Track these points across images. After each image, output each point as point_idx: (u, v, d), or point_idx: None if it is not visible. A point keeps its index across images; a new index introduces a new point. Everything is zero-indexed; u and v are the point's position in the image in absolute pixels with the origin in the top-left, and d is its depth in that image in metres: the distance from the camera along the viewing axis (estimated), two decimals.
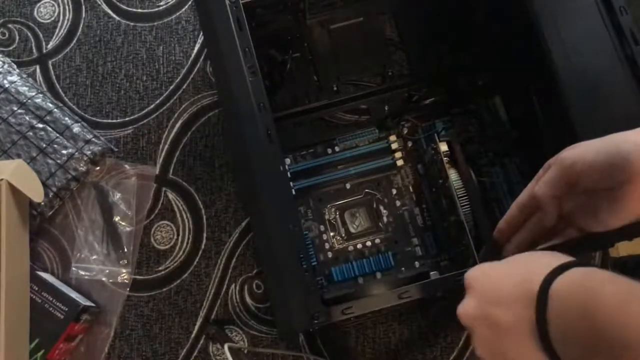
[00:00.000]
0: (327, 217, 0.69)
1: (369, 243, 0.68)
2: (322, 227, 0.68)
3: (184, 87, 0.77)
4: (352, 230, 0.68)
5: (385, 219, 0.69)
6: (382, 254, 0.66)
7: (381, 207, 0.69)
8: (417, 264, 0.67)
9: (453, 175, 0.63)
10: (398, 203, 0.69)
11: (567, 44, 0.56)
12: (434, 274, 0.63)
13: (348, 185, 0.70)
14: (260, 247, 0.51)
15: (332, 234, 0.68)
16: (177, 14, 0.79)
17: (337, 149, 0.70)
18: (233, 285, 0.71)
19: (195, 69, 0.77)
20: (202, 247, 0.72)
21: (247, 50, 0.53)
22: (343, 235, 0.68)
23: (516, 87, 0.67)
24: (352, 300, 0.51)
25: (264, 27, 0.69)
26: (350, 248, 0.68)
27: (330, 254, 0.67)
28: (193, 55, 0.78)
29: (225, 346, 0.60)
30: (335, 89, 0.73)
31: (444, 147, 0.63)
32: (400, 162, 0.69)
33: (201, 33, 0.78)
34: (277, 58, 0.71)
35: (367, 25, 0.74)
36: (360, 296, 0.52)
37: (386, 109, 0.72)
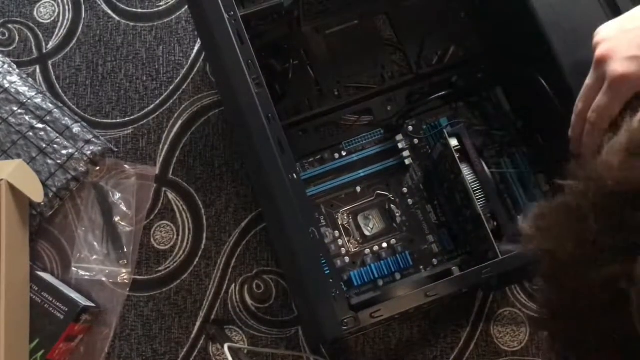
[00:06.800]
0: (340, 222, 0.69)
1: (385, 244, 0.68)
2: (336, 233, 0.68)
3: (184, 87, 0.77)
4: (367, 233, 0.68)
5: (398, 219, 0.69)
6: (399, 255, 0.66)
7: (393, 208, 0.69)
8: (435, 261, 0.67)
9: (465, 169, 0.62)
10: (410, 202, 0.69)
11: (565, 26, 0.55)
12: (454, 270, 0.63)
13: (358, 189, 0.70)
14: (283, 258, 0.51)
15: (347, 238, 0.68)
16: (177, 14, 0.79)
17: (343, 153, 0.70)
18: (233, 285, 0.71)
19: (195, 69, 0.77)
20: (202, 247, 0.72)
21: (250, 62, 0.53)
22: (358, 239, 0.68)
23: (517, 75, 0.67)
24: (379, 304, 0.51)
25: (260, 37, 0.68)
26: (367, 251, 0.67)
27: (347, 259, 0.67)
28: (193, 56, 0.78)
29: (225, 346, 0.60)
30: (336, 93, 0.73)
31: (454, 142, 0.63)
32: (408, 161, 0.69)
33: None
34: (276, 68, 0.71)
35: (362, 27, 0.74)
36: (385, 299, 0.52)
37: (389, 109, 0.72)
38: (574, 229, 0.27)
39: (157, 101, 0.77)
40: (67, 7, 0.80)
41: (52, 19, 0.79)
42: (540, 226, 0.30)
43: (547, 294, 0.31)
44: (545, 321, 0.32)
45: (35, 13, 0.80)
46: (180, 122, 0.76)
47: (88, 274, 0.71)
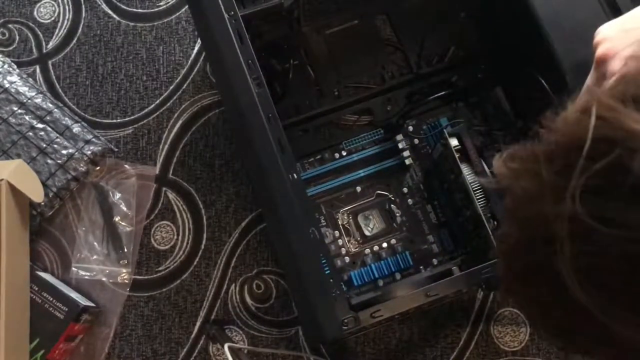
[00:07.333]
0: (340, 222, 0.69)
1: (385, 244, 0.68)
2: (336, 233, 0.68)
3: (184, 87, 0.77)
4: (367, 233, 0.68)
5: (399, 219, 0.69)
6: (399, 254, 0.66)
7: (394, 208, 0.69)
8: (435, 261, 0.67)
9: (465, 169, 0.62)
10: (410, 202, 0.69)
11: (565, 26, 0.55)
12: (454, 270, 0.63)
13: (359, 189, 0.70)
14: (284, 258, 0.51)
15: (347, 238, 0.68)
16: (177, 14, 0.79)
17: (343, 153, 0.70)
18: (233, 285, 0.71)
19: (195, 69, 0.77)
20: (202, 247, 0.72)
21: (251, 62, 0.53)
22: (358, 239, 0.68)
23: (517, 74, 0.67)
24: (379, 304, 0.51)
25: (260, 37, 0.69)
26: (367, 251, 0.68)
27: (347, 259, 0.67)
28: (193, 55, 0.78)
29: (225, 346, 0.60)
30: (336, 93, 0.73)
31: (454, 142, 0.63)
32: (408, 161, 0.69)
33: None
34: (276, 68, 0.71)
35: (362, 27, 0.74)
36: (386, 299, 0.52)
37: (389, 109, 0.72)
38: (531, 168, 0.31)
39: (157, 101, 0.77)
40: (67, 7, 0.80)
41: (52, 19, 0.79)
42: (509, 166, 0.33)
43: (506, 228, 0.34)
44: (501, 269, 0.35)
45: (35, 13, 0.80)
46: (180, 122, 0.76)
47: (88, 274, 0.71)
